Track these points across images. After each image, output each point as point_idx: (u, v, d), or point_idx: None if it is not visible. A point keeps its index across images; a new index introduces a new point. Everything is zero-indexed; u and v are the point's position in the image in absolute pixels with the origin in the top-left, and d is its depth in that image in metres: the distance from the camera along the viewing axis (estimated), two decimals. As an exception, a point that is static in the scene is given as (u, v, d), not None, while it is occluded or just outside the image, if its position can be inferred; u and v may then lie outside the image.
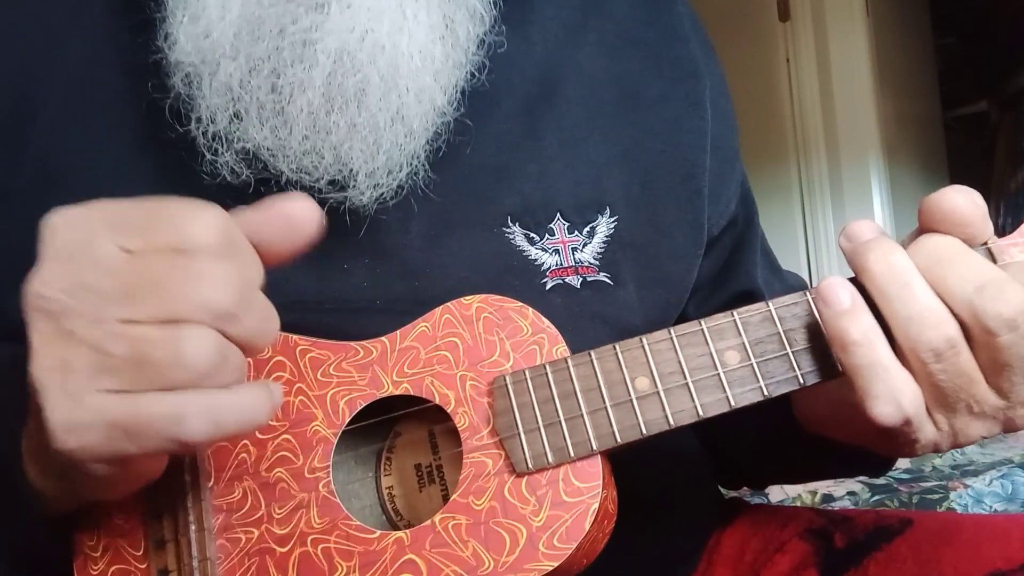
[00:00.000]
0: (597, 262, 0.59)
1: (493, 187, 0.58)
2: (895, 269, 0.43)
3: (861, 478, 1.42)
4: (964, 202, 0.44)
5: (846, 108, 2.63)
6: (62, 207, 0.38)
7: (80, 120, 0.54)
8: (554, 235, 0.58)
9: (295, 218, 0.41)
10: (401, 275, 0.55)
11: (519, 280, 0.57)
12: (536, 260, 0.58)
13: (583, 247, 0.59)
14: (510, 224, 0.58)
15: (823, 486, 1.39)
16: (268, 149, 0.50)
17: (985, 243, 0.45)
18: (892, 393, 0.43)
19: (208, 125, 0.50)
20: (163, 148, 0.54)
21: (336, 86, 0.49)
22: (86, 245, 0.37)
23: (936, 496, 1.29)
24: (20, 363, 0.47)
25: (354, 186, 0.52)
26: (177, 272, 0.37)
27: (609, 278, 0.59)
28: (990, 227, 0.45)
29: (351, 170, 0.51)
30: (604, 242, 0.59)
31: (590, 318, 0.58)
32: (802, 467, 0.68)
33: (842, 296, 0.44)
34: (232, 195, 0.52)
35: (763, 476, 0.75)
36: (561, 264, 0.58)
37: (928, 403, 0.44)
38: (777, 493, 1.37)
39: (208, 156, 0.51)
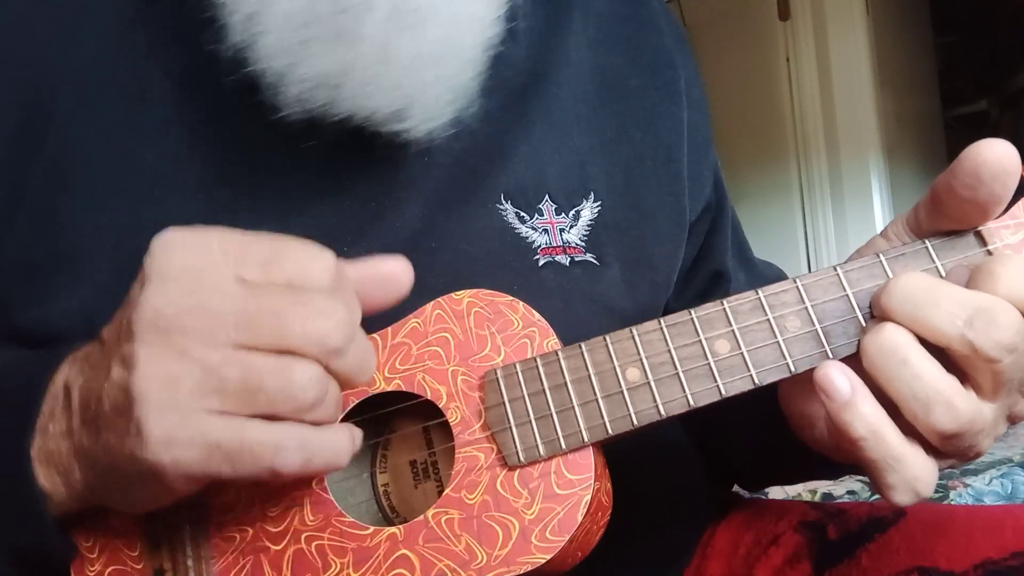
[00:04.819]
0: (583, 243, 0.60)
1: (487, 166, 0.59)
2: (888, 345, 0.41)
3: (860, 476, 1.42)
4: (1005, 151, 0.41)
5: (846, 107, 2.63)
6: (173, 227, 0.40)
7: (91, 118, 0.54)
8: (543, 215, 0.59)
9: (392, 276, 0.45)
10: (400, 252, 0.55)
11: (513, 256, 0.58)
12: (527, 238, 0.58)
13: (569, 228, 0.60)
14: (503, 201, 0.58)
15: (823, 485, 1.39)
16: (333, 77, 0.49)
17: (975, 227, 0.45)
18: (908, 483, 0.42)
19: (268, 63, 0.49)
20: (193, 119, 0.55)
21: (400, 13, 0.48)
22: (208, 270, 0.39)
23: (936, 495, 1.29)
24: (23, 364, 0.47)
25: (409, 119, 0.51)
26: (294, 306, 0.39)
27: (595, 259, 0.60)
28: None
29: (410, 101, 0.51)
30: (589, 225, 0.61)
31: (580, 296, 0.59)
32: (792, 471, 0.68)
33: (840, 385, 0.42)
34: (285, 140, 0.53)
35: (754, 477, 0.75)
36: (550, 243, 0.59)
37: (940, 455, 0.43)
38: (776, 492, 1.37)
39: (268, 95, 0.50)
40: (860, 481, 1.40)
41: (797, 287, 0.46)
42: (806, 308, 0.45)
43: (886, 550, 0.55)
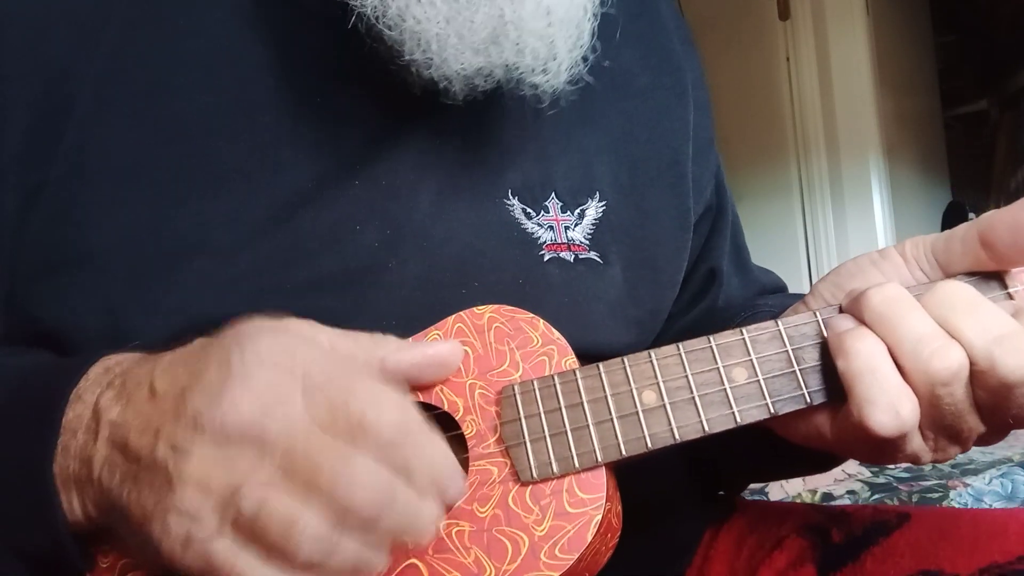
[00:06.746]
0: (587, 241, 0.61)
1: (497, 160, 0.59)
2: (892, 297, 0.43)
3: (860, 477, 1.42)
4: None
5: (846, 107, 2.63)
6: (271, 329, 0.40)
7: (110, 114, 0.53)
8: (548, 212, 0.60)
9: (444, 359, 0.47)
10: (411, 237, 0.56)
11: (519, 250, 0.58)
12: (533, 233, 0.59)
13: (574, 227, 0.60)
14: (510, 197, 0.59)
15: (823, 485, 1.39)
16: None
17: (997, 272, 0.45)
18: (891, 402, 0.42)
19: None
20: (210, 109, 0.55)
21: None
22: (284, 394, 0.39)
23: (936, 495, 1.29)
24: (45, 371, 0.47)
25: (547, 72, 0.53)
26: (333, 462, 0.38)
27: (599, 257, 0.61)
28: None
29: (553, 53, 0.52)
30: (593, 224, 0.61)
31: (585, 292, 0.59)
32: (767, 468, 0.69)
33: (846, 320, 0.45)
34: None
35: (733, 477, 0.74)
36: (555, 240, 0.59)
37: (923, 421, 0.44)
38: (777, 492, 1.37)
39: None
40: (860, 481, 1.40)
41: (817, 320, 0.46)
42: (826, 340, 0.46)
43: (890, 554, 0.56)
